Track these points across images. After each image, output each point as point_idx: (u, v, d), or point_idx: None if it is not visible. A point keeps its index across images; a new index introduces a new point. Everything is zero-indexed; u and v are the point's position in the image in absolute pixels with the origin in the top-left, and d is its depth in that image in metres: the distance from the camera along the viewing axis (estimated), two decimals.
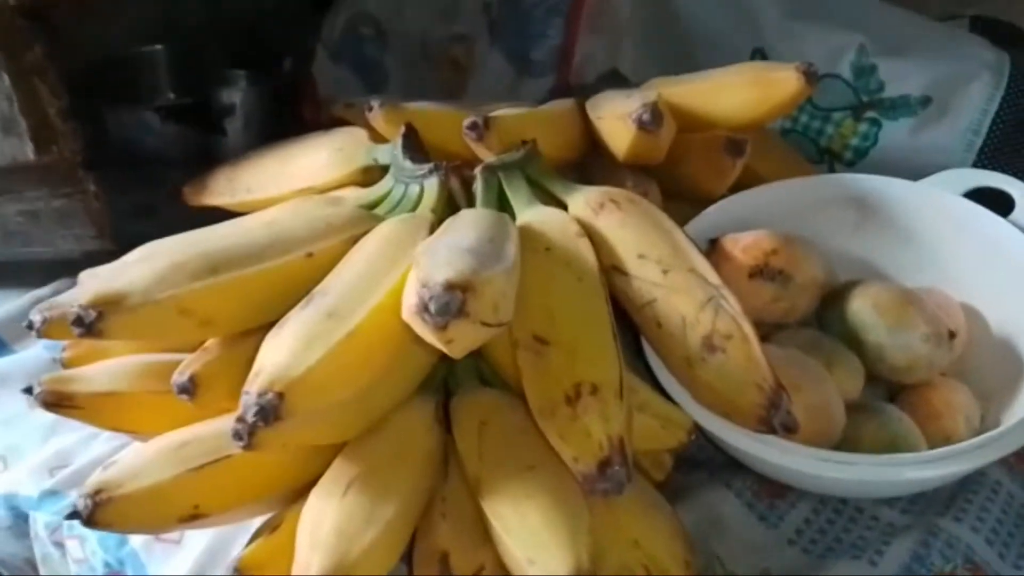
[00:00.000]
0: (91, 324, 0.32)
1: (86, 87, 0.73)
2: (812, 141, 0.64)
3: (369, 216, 0.44)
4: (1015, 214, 0.46)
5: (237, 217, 0.50)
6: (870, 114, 0.62)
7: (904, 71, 0.61)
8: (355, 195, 0.48)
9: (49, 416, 0.53)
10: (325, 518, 0.33)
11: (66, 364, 0.43)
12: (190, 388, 0.35)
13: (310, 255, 0.38)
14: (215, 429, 0.37)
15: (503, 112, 0.48)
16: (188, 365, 0.36)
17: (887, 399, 0.44)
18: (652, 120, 0.45)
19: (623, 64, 0.67)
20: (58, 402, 0.39)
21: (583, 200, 0.44)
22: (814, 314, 0.46)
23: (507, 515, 0.35)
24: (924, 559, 0.40)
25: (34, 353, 0.58)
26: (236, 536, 0.43)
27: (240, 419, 0.33)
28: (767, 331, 0.45)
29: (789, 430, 0.35)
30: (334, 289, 0.35)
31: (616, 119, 0.47)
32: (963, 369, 0.45)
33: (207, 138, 0.79)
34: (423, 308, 0.29)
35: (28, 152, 0.53)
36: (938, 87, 0.60)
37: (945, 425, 0.41)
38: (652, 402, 0.40)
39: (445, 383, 0.43)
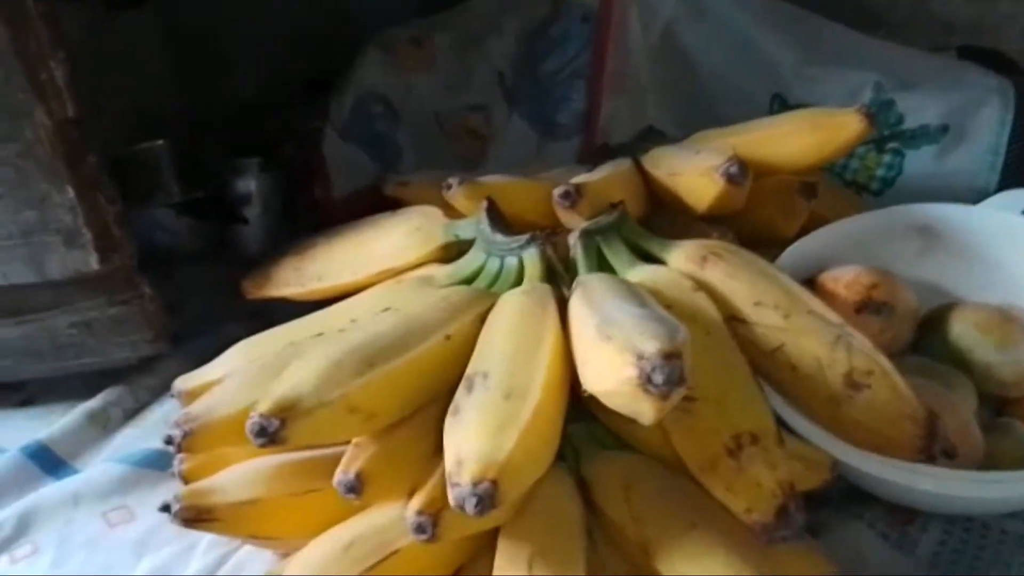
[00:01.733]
0: (274, 432, 0.32)
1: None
2: (837, 175, 0.67)
3: (482, 292, 0.44)
4: None
5: (308, 309, 0.50)
6: (892, 145, 0.66)
7: (920, 103, 0.64)
8: (444, 272, 0.49)
9: (134, 533, 0.52)
10: None
11: (187, 478, 0.42)
12: (357, 486, 0.35)
13: (448, 337, 0.38)
14: (375, 526, 0.37)
15: (586, 178, 0.49)
16: (350, 463, 0.35)
17: (995, 415, 0.46)
18: (740, 172, 0.47)
19: (646, 121, 0.70)
20: (198, 516, 0.38)
21: (683, 255, 0.45)
22: (912, 342, 0.47)
23: (690, 572, 0.35)
24: None
25: (103, 469, 0.56)
26: None
27: (423, 513, 0.32)
28: None
29: (949, 456, 0.36)
30: (493, 369, 0.35)
31: (699, 174, 0.49)
32: None
33: (224, 230, 0.78)
34: (646, 379, 0.29)
35: (92, 263, 0.51)
36: (953, 114, 0.64)
37: None
38: (789, 444, 0.41)
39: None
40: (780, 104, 0.68)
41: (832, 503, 0.46)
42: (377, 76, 0.78)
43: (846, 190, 0.61)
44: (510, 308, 0.40)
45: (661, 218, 0.54)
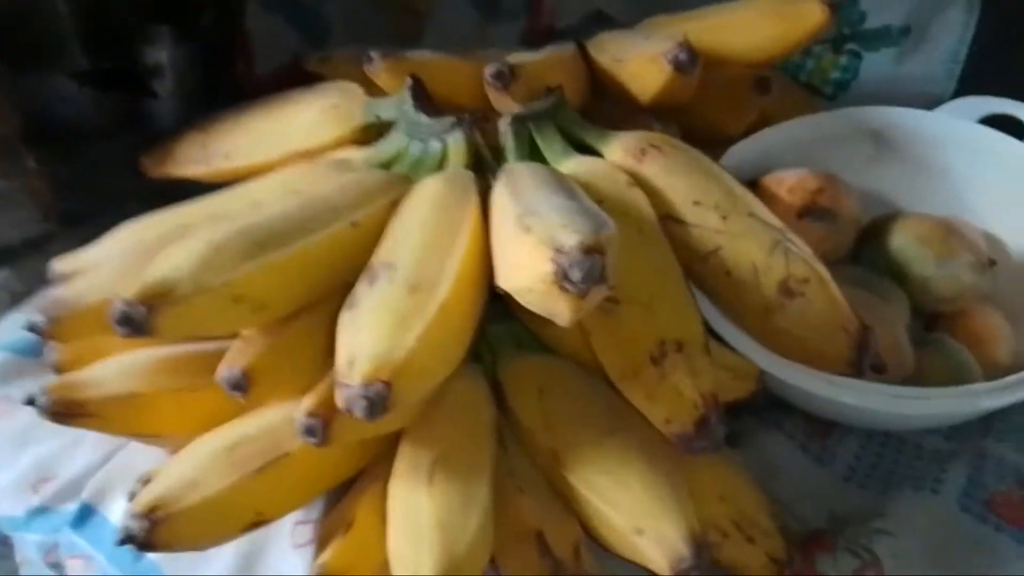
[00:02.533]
0: (141, 321, 0.28)
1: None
2: (792, 77, 0.64)
3: (398, 177, 0.40)
4: None
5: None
6: (850, 46, 0.62)
7: (884, 1, 0.61)
8: (362, 155, 0.44)
9: (17, 422, 0.48)
10: (419, 511, 0.31)
11: (60, 368, 0.38)
12: (243, 383, 0.31)
13: (354, 224, 0.35)
14: (264, 426, 0.34)
15: (522, 59, 0.45)
16: (235, 358, 0.32)
17: (925, 329, 0.45)
18: (689, 59, 0.43)
19: (595, 4, 0.65)
20: (69, 411, 0.35)
21: (621, 147, 0.41)
22: (851, 250, 0.45)
23: (603, 485, 0.33)
24: (979, 481, 0.40)
25: None
26: (269, 538, 0.40)
27: (313, 415, 0.29)
28: None
29: (878, 371, 0.34)
30: (401, 260, 0.32)
31: (646, 61, 0.45)
32: (990, 296, 0.46)
33: (133, 104, 0.71)
34: (563, 276, 0.26)
35: None
36: (916, 15, 0.61)
37: (989, 351, 0.42)
38: (717, 353, 0.39)
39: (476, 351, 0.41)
40: None
41: (753, 412, 0.44)
42: None
43: (799, 89, 0.58)
44: (426, 195, 0.37)
45: (604, 108, 0.50)
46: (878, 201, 0.49)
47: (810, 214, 0.41)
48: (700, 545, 0.31)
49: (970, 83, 0.62)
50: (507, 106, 0.44)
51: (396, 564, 0.30)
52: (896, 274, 0.43)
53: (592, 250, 0.26)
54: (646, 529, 0.32)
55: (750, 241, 0.37)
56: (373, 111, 0.46)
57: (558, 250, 0.26)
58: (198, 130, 0.52)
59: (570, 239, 0.26)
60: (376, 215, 0.36)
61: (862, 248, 0.45)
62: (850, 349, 0.35)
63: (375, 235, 0.35)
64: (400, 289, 0.30)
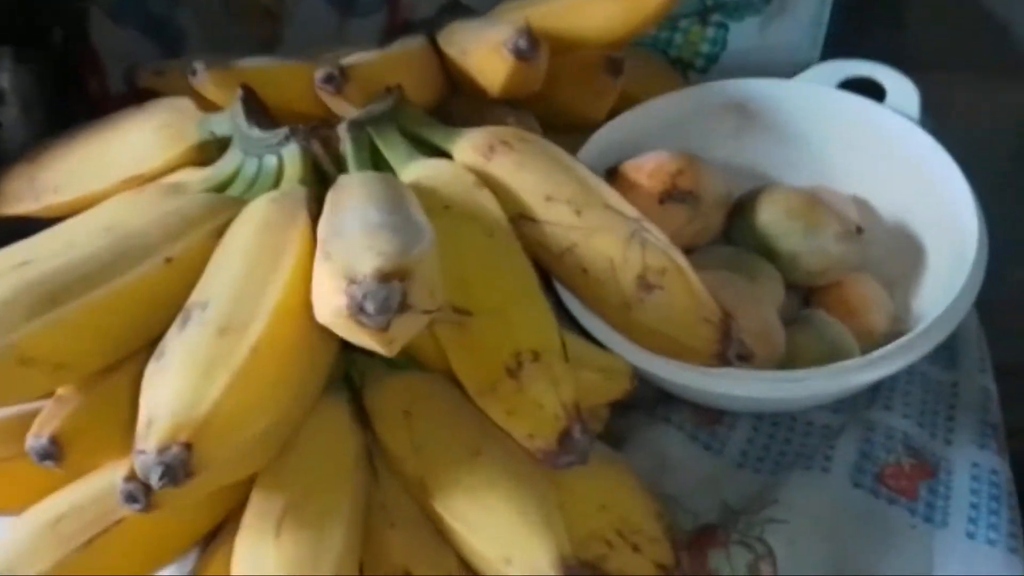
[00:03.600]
0: None
1: None
2: (662, 52, 0.62)
3: (226, 201, 0.37)
4: (888, 101, 0.46)
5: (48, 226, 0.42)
6: (716, 17, 0.61)
7: None
8: (198, 178, 0.41)
9: None
10: (264, 566, 0.28)
11: None
12: (54, 452, 0.28)
13: (169, 260, 0.32)
14: (93, 492, 0.30)
15: (357, 59, 0.42)
16: (44, 424, 0.28)
17: (803, 303, 0.44)
18: (529, 47, 0.40)
19: None
20: None
21: (469, 146, 0.39)
22: (721, 230, 0.44)
23: (468, 512, 0.31)
24: (869, 455, 0.40)
25: None
26: None
27: (132, 479, 0.26)
28: None
29: (745, 359, 0.33)
30: (215, 298, 0.29)
31: (488, 51, 0.42)
32: (863, 262, 0.46)
33: None
34: (357, 309, 0.23)
35: None
36: None
37: (865, 320, 0.41)
38: (588, 354, 0.37)
39: (347, 374, 0.38)
40: None
41: (640, 407, 0.43)
42: None
43: (664, 66, 0.57)
44: (250, 219, 0.34)
45: (460, 103, 0.48)
46: (747, 175, 0.48)
47: (671, 198, 0.40)
48: (571, 569, 0.29)
49: (835, 48, 0.61)
50: (346, 111, 0.41)
51: None
52: (765, 251, 0.42)
53: (390, 277, 0.24)
54: (515, 559, 0.30)
55: (605, 235, 0.35)
56: (207, 128, 0.43)
57: (351, 280, 0.24)
58: (27, 162, 0.48)
59: (365, 266, 0.24)
60: (196, 247, 0.32)
61: (732, 226, 0.43)
62: (714, 340, 0.33)
63: (196, 270, 0.32)
64: (209, 332, 0.27)
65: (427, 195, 0.36)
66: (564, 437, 0.31)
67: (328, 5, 0.65)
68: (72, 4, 0.70)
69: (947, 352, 0.44)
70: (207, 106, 0.44)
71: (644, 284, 0.34)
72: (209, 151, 0.43)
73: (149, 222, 0.33)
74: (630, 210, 0.36)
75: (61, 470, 0.29)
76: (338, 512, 0.31)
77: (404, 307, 0.24)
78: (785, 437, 0.42)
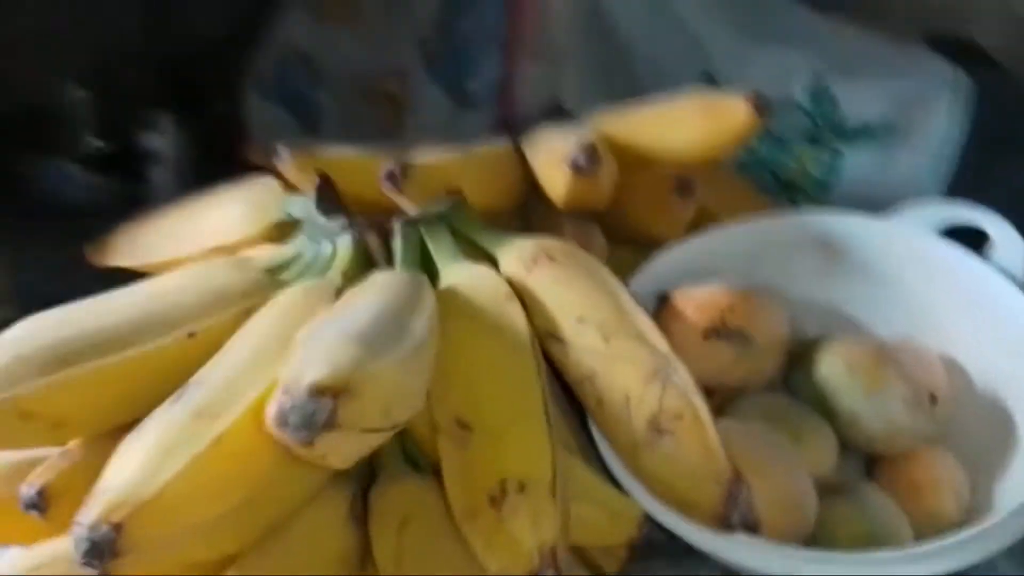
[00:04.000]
0: None
1: (9, 140, 0.68)
2: (772, 174, 0.60)
3: (271, 282, 0.38)
4: (989, 250, 0.42)
5: None
6: (830, 142, 0.58)
7: (861, 95, 0.57)
8: (266, 255, 0.43)
9: None
10: None
11: None
12: (39, 503, 0.29)
13: (192, 335, 0.33)
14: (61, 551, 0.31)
15: (425, 158, 0.43)
16: (39, 475, 0.30)
17: (864, 470, 0.39)
18: (588, 164, 0.40)
19: (568, 94, 0.63)
20: None
21: (515, 255, 0.39)
22: (780, 376, 0.40)
23: None
24: None
25: None
26: None
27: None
28: (727, 397, 0.40)
29: (750, 529, 0.30)
30: (208, 380, 0.30)
31: (551, 162, 0.42)
32: (946, 433, 0.41)
33: (131, 187, 0.73)
34: (283, 421, 0.23)
35: None
36: (899, 111, 0.56)
37: (930, 503, 0.36)
38: (596, 489, 0.35)
39: (370, 465, 0.38)
40: (708, 84, 0.60)
41: (666, 555, 0.40)
42: (301, 30, 0.72)
43: (754, 190, 0.54)
44: (275, 305, 0.35)
45: (537, 210, 0.48)
46: (829, 318, 0.45)
47: (718, 335, 0.37)
48: None
49: (962, 184, 0.57)
50: (409, 208, 0.42)
51: None
52: (822, 407, 0.38)
53: (325, 391, 0.23)
54: None
55: (628, 367, 0.34)
56: (285, 208, 0.45)
57: (286, 390, 0.23)
58: (136, 222, 0.52)
59: (307, 375, 0.24)
60: (221, 326, 0.34)
61: (791, 374, 0.40)
62: (718, 502, 0.30)
63: (218, 348, 0.33)
64: (187, 413, 0.28)
65: (459, 299, 0.36)
66: None
67: (445, 96, 0.68)
68: (233, 78, 0.77)
69: None
70: (296, 188, 0.47)
71: (655, 427, 0.32)
72: (288, 231, 0.45)
73: (190, 295, 0.35)
74: (661, 345, 0.34)
75: (45, 521, 0.30)
76: None
77: (332, 425, 0.23)
78: None
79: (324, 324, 0.28)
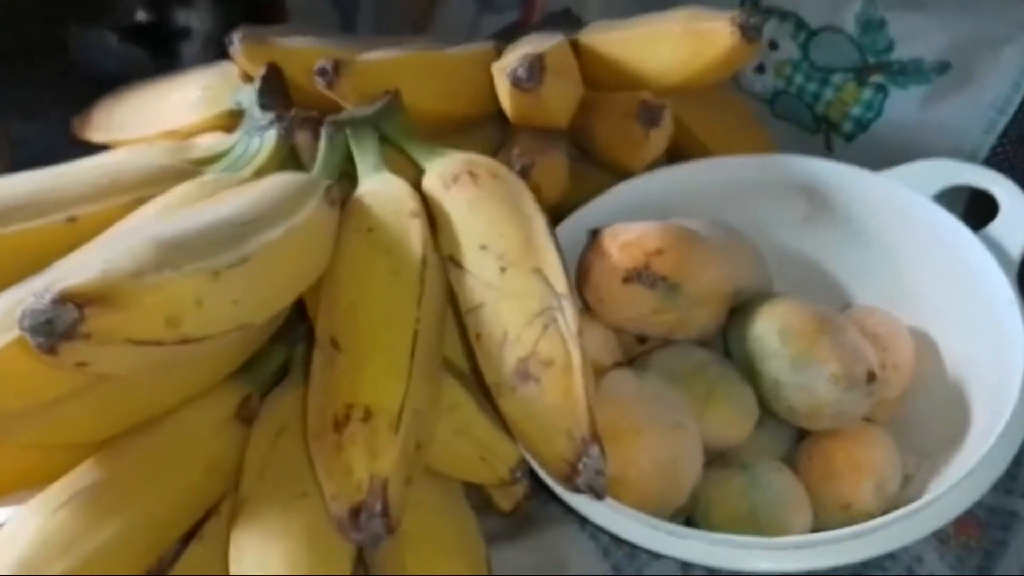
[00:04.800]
0: None
1: (55, 6, 0.68)
2: (808, 107, 0.54)
3: (187, 173, 0.37)
4: (998, 221, 0.36)
5: None
6: (876, 78, 0.51)
7: (919, 29, 0.50)
8: (206, 144, 0.42)
9: None
10: (16, 541, 0.28)
11: None
12: None
13: (72, 219, 0.32)
14: None
15: (369, 55, 0.40)
16: None
17: (794, 442, 0.36)
18: (528, 78, 0.36)
19: (592, 3, 0.58)
20: None
21: (439, 170, 0.36)
22: (720, 329, 0.37)
23: (247, 554, 0.29)
24: None
25: None
26: None
27: None
28: (653, 345, 0.37)
29: (596, 494, 0.27)
30: (57, 267, 0.29)
31: (498, 74, 0.39)
32: (904, 412, 0.36)
33: (162, 62, 0.73)
34: (23, 324, 0.22)
35: None
36: (960, 51, 0.49)
37: (845, 490, 0.32)
38: (476, 425, 0.33)
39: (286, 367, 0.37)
40: (751, 4, 0.54)
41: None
42: None
43: (758, 125, 0.49)
44: (166, 197, 0.33)
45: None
46: (806, 268, 0.40)
47: (638, 279, 0.34)
48: None
49: (1016, 141, 0.49)
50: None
51: None
52: (750, 371, 0.34)
53: (71, 299, 0.22)
54: None
55: (514, 303, 0.31)
56: (236, 97, 0.43)
57: (37, 292, 0.22)
58: (112, 97, 0.52)
59: (60, 281, 0.22)
60: (105, 213, 0.33)
61: (728, 330, 0.36)
62: (565, 460, 0.28)
63: (97, 234, 0.32)
64: (14, 299, 0.27)
65: (360, 212, 0.34)
66: (356, 511, 0.27)
67: None
68: None
69: None
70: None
71: (522, 371, 0.29)
72: (237, 120, 0.44)
73: (90, 178, 0.34)
74: (560, 283, 0.31)
75: None
76: (134, 508, 0.30)
77: (74, 335, 0.22)
78: None
79: (159, 227, 0.27)
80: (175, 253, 0.24)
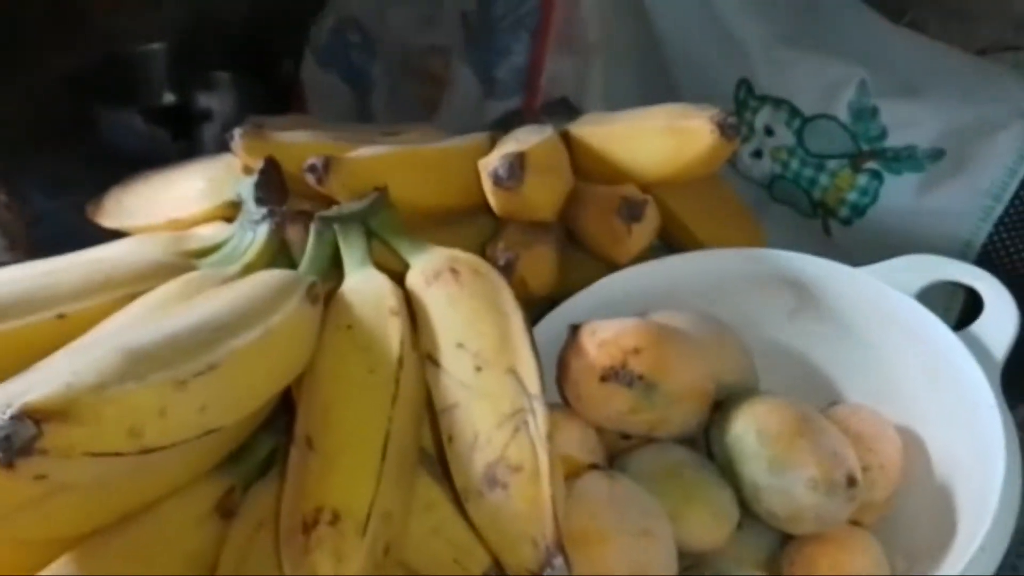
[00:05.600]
0: None
1: (86, 86, 0.72)
2: (805, 192, 0.54)
3: (181, 267, 0.38)
4: (982, 319, 0.36)
5: None
6: (870, 165, 0.52)
7: (912, 116, 0.50)
8: (204, 236, 0.43)
9: None
10: None
11: None
12: None
13: (62, 316, 0.33)
14: None
15: (360, 152, 0.41)
16: None
17: (779, 545, 0.35)
18: (508, 176, 0.37)
19: (592, 90, 0.59)
20: None
21: (422, 266, 0.37)
22: (703, 426, 0.36)
23: None
24: None
25: None
26: None
27: None
28: (636, 442, 0.36)
29: None
30: (40, 368, 0.30)
31: (482, 170, 0.39)
32: (893, 512, 0.35)
33: (184, 144, 0.76)
34: None
35: None
36: (953, 138, 0.49)
37: None
38: (451, 525, 0.33)
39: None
40: (746, 92, 0.55)
41: None
42: (354, 1, 0.72)
43: (751, 218, 0.49)
44: (155, 294, 0.34)
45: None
46: (794, 363, 0.40)
47: (615, 378, 0.34)
48: None
49: (1013, 229, 0.49)
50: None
51: None
52: (730, 472, 0.34)
53: (32, 415, 0.22)
54: None
55: (486, 404, 0.31)
56: (237, 189, 0.45)
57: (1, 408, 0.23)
58: (123, 185, 0.54)
59: (21, 396, 0.23)
60: (98, 308, 0.34)
61: (709, 428, 0.36)
62: (528, 568, 0.27)
63: (86, 331, 0.33)
64: None
65: (342, 309, 0.35)
66: None
67: (476, 81, 0.66)
68: (297, 42, 0.78)
69: None
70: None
71: (490, 477, 0.29)
72: (239, 210, 0.45)
73: (80, 274, 0.35)
74: (533, 384, 0.31)
75: None
76: None
77: (32, 451, 0.22)
78: None
79: (121, 331, 0.27)
80: (141, 363, 0.25)
